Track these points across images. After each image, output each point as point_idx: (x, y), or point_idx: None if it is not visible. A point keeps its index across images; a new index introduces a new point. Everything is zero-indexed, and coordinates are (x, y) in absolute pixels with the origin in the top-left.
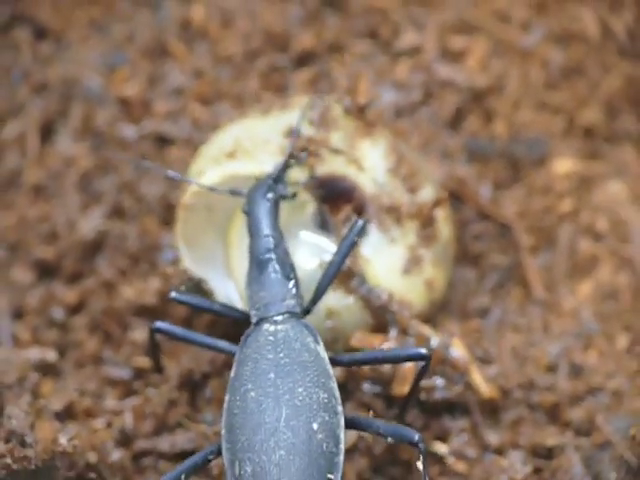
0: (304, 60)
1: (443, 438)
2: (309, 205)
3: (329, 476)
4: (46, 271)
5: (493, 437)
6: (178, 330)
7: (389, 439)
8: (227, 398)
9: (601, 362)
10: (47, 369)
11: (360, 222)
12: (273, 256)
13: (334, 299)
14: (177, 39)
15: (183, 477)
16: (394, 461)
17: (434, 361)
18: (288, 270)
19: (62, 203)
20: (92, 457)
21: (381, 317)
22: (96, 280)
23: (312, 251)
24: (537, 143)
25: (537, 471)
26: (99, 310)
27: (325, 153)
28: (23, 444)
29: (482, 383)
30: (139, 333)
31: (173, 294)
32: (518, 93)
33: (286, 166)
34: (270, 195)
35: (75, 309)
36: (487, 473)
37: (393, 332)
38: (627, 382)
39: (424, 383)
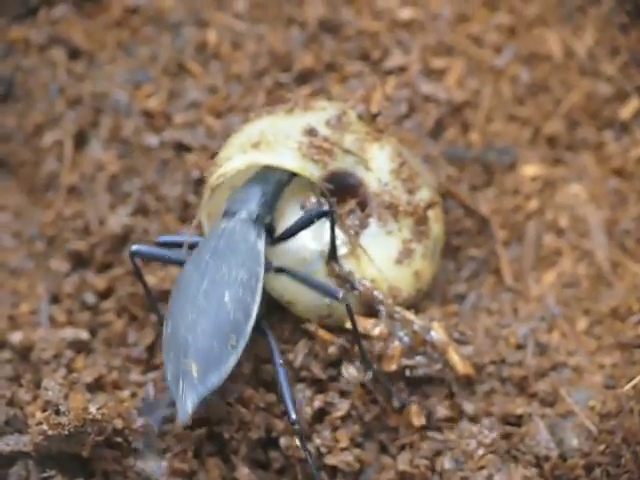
0: (305, 78)
1: (424, 407)
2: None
3: (231, 340)
4: (80, 261)
5: (468, 406)
6: (154, 250)
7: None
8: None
9: (563, 342)
10: (80, 347)
11: (326, 210)
12: (267, 179)
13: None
14: (194, 59)
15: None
16: (383, 427)
17: (417, 342)
18: (268, 190)
19: (93, 202)
20: (119, 424)
21: (370, 306)
22: (123, 269)
23: (317, 235)
24: (507, 151)
25: (507, 436)
26: (125, 295)
27: (338, 152)
28: (57, 412)
29: (458, 362)
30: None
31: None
32: (491, 107)
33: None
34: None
35: (105, 294)
36: (461, 438)
37: (383, 317)
38: (586, 359)
39: (409, 362)
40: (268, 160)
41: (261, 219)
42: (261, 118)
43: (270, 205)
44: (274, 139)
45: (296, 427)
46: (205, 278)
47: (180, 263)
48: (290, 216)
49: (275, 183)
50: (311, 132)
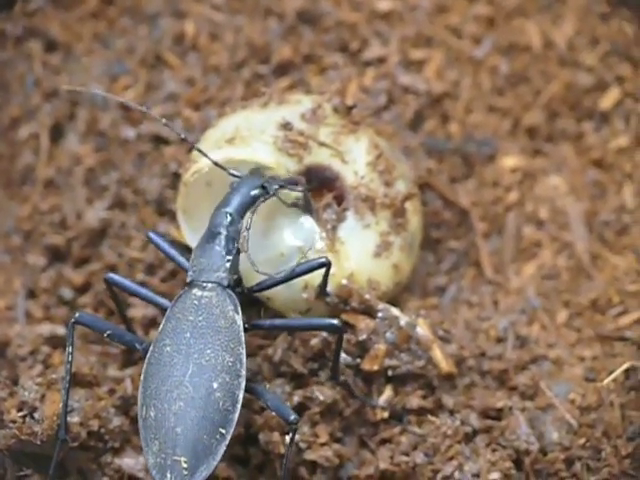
0: (283, 69)
1: (406, 402)
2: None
3: (221, 430)
4: (56, 256)
5: (449, 400)
6: (127, 283)
7: (273, 412)
8: (150, 348)
9: (543, 334)
10: (57, 343)
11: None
12: (223, 231)
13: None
14: (171, 51)
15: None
16: (362, 422)
17: (401, 338)
18: (230, 248)
19: (70, 196)
20: (94, 425)
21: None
22: (100, 264)
23: (295, 231)
24: (487, 142)
25: (488, 430)
26: (103, 290)
27: (313, 145)
28: (32, 417)
29: (442, 359)
30: (137, 311)
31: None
32: (470, 98)
33: (282, 186)
34: (255, 192)
35: (82, 289)
36: (440, 432)
37: (380, 315)
38: (566, 352)
39: (392, 362)
40: (243, 155)
41: (231, 282)
42: (236, 113)
43: (236, 264)
44: (249, 134)
45: (294, 427)
46: (190, 362)
47: (149, 300)
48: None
49: (234, 234)
50: (286, 126)
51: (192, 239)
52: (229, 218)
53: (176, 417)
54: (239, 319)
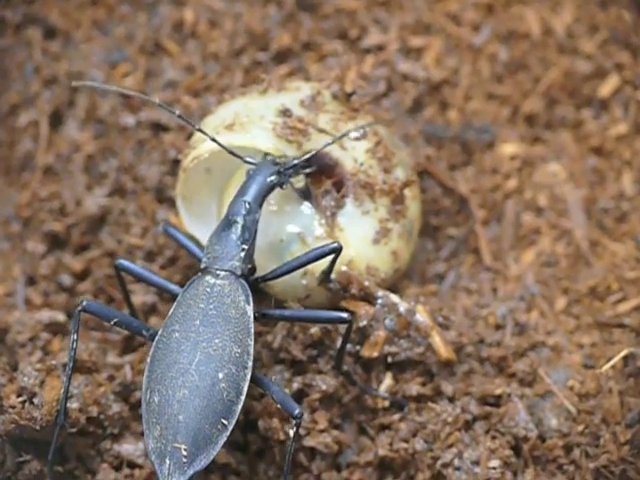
0: (282, 57)
1: (406, 389)
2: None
3: (223, 421)
4: (56, 243)
5: (448, 387)
6: (138, 269)
7: (278, 405)
8: (159, 333)
9: (542, 321)
10: (56, 329)
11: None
12: (240, 220)
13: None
14: (170, 38)
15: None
16: (361, 409)
17: (401, 325)
18: (247, 237)
19: (70, 183)
20: (94, 411)
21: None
22: (100, 250)
23: (295, 217)
24: (486, 129)
25: (486, 417)
26: (102, 277)
27: (313, 132)
28: (32, 402)
29: (441, 346)
30: (136, 298)
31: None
32: (469, 85)
33: (300, 168)
34: (273, 178)
35: (81, 276)
36: (440, 419)
37: (379, 302)
38: (565, 339)
39: (391, 349)
40: (242, 141)
41: (245, 272)
42: (235, 99)
43: (251, 253)
44: (248, 120)
45: (299, 421)
46: (198, 350)
47: (160, 286)
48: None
49: (251, 223)
50: (285, 112)
51: (191, 225)
52: (247, 207)
53: (180, 404)
54: (250, 310)
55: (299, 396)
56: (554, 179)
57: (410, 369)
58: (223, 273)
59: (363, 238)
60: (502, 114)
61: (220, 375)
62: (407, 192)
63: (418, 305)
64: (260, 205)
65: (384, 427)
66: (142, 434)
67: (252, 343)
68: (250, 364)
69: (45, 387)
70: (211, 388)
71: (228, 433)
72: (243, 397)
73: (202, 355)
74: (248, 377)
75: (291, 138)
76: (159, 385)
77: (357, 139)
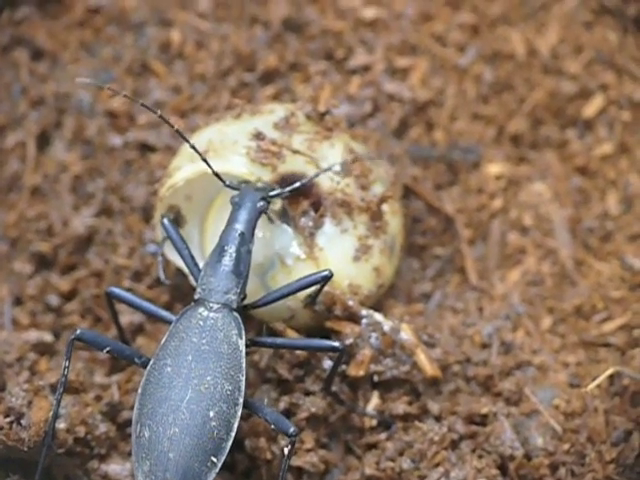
0: (269, 77)
1: (392, 408)
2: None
3: (212, 459)
4: (43, 263)
5: (434, 406)
6: (129, 296)
7: (272, 426)
8: (150, 363)
9: (528, 340)
10: (44, 349)
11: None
12: (234, 251)
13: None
14: (157, 59)
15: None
16: (348, 428)
17: (385, 344)
18: (241, 269)
19: (57, 203)
20: (81, 431)
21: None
22: (87, 271)
23: (273, 239)
24: (471, 149)
25: (473, 435)
26: (89, 297)
27: (287, 153)
28: (19, 423)
29: (426, 364)
30: (124, 318)
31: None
32: (455, 106)
33: (284, 195)
34: (261, 204)
35: (68, 296)
36: (427, 438)
37: (364, 321)
38: (551, 358)
39: (377, 367)
40: (217, 167)
41: (239, 304)
42: (209, 126)
43: (245, 286)
44: (222, 146)
45: (294, 440)
46: (189, 387)
47: (151, 313)
48: None
49: (245, 254)
50: (258, 136)
51: (172, 252)
52: (241, 236)
53: (170, 442)
54: (242, 344)
55: (286, 415)
56: (539, 199)
57: (396, 388)
58: (217, 306)
59: (343, 256)
60: (487, 134)
61: (211, 413)
62: (386, 207)
63: (402, 323)
64: (252, 233)
65: (371, 446)
66: (129, 454)
67: (244, 379)
68: (241, 400)
69: (33, 408)
70: (202, 427)
71: (217, 470)
72: (233, 434)
73: (193, 393)
74: (239, 414)
75: (265, 161)
76: (149, 420)
77: (338, 174)
